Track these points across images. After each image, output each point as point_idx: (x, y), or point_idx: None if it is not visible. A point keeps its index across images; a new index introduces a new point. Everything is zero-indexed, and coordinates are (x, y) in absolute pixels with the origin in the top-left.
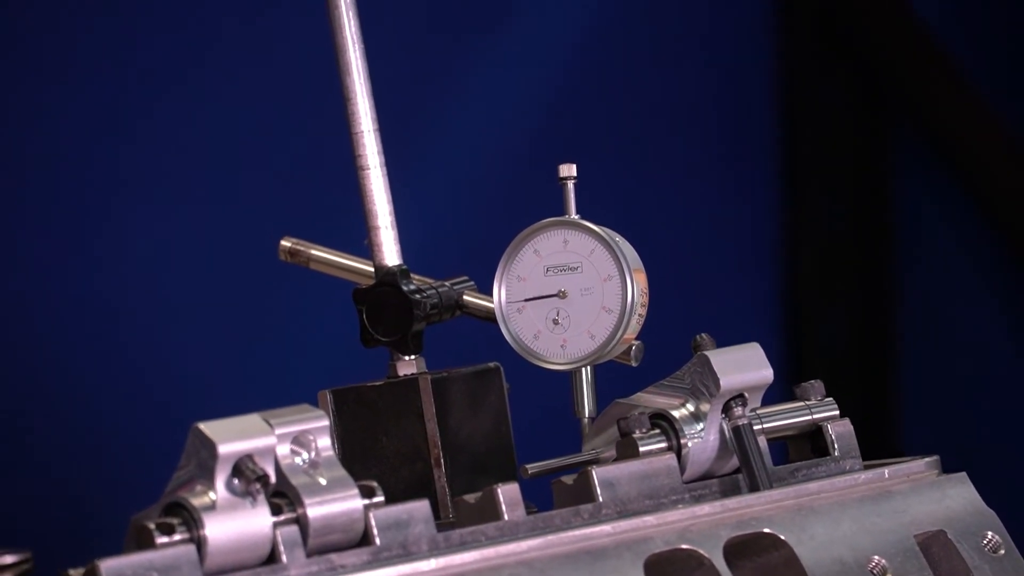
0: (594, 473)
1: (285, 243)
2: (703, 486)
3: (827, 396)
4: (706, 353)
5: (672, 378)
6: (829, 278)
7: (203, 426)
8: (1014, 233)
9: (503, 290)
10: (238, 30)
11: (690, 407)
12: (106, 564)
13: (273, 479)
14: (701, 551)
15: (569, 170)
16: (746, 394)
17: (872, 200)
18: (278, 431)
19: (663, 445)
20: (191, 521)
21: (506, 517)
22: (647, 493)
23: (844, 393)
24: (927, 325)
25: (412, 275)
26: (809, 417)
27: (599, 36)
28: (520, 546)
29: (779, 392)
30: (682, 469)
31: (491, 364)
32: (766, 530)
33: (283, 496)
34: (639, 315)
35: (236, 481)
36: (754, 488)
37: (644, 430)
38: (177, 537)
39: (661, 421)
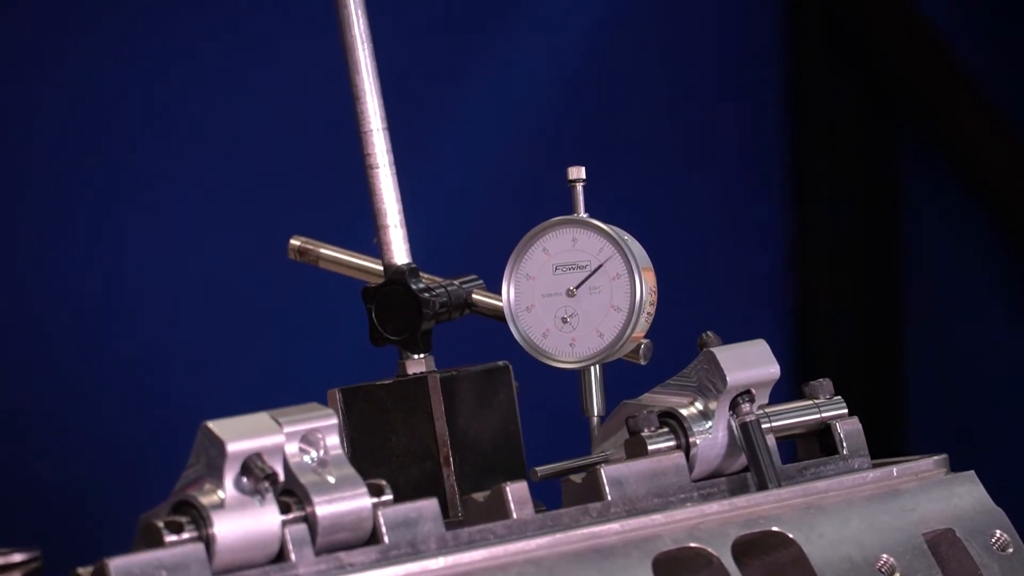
0: (603, 471)
1: (294, 242)
2: (711, 484)
3: (835, 395)
4: (712, 350)
5: (679, 376)
6: (837, 279)
7: (212, 424)
8: (1021, 235)
9: (512, 289)
10: (247, 28)
11: (699, 405)
12: (115, 562)
13: (282, 477)
14: (710, 549)
15: (578, 172)
16: (753, 390)
17: (880, 202)
18: (287, 429)
19: (672, 443)
20: (200, 519)
21: (515, 515)
22: (656, 491)
23: (852, 393)
24: (934, 326)
25: (421, 274)
26: (818, 415)
27: (608, 37)
28: (529, 544)
29: (788, 392)
30: (691, 467)
31: (500, 363)
32: (775, 528)
33: (292, 494)
34: (648, 314)
35: (245, 479)
36: (762, 485)
37: (653, 428)
38: (186, 535)
39: (670, 419)
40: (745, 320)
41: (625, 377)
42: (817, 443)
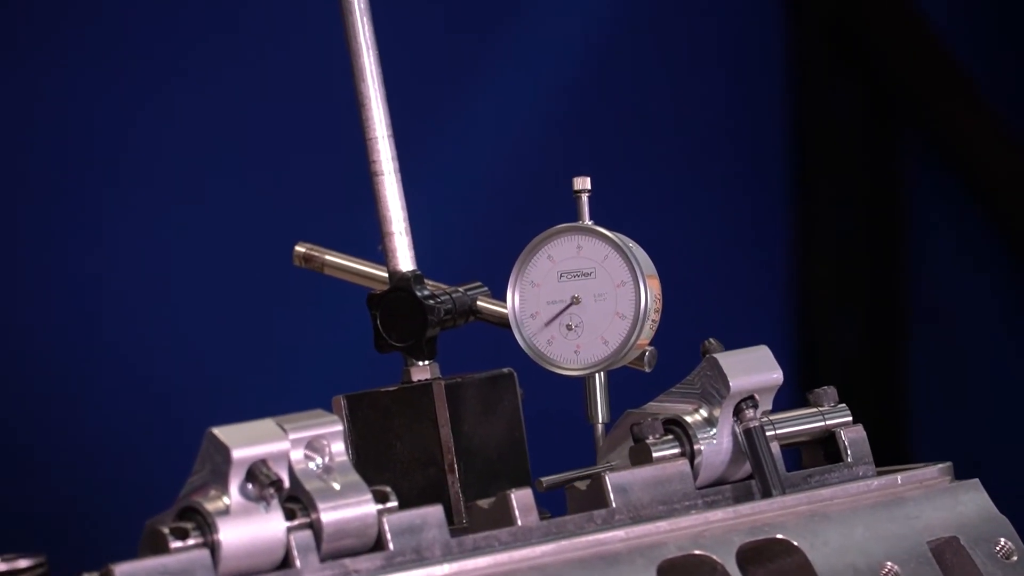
0: (607, 479)
1: (299, 248)
2: (716, 492)
3: (840, 402)
4: (715, 356)
5: (682, 384)
6: (840, 285)
7: (217, 431)
8: (1023, 238)
9: (517, 296)
10: (252, 34)
11: (703, 412)
12: (121, 568)
13: (287, 484)
14: (714, 557)
15: (583, 183)
16: (757, 396)
17: (882, 207)
18: (292, 436)
19: (676, 451)
20: (205, 526)
21: (519, 522)
22: (660, 499)
23: (855, 399)
24: (938, 331)
25: (426, 280)
26: (822, 423)
27: (612, 44)
28: (533, 551)
29: (791, 398)
30: (695, 475)
31: (505, 370)
32: (779, 536)
33: (297, 501)
34: (652, 321)
35: (250, 486)
36: (766, 490)
37: (657, 436)
38: (191, 542)
39: (674, 427)
40: (749, 326)
41: (630, 384)
42: (821, 451)
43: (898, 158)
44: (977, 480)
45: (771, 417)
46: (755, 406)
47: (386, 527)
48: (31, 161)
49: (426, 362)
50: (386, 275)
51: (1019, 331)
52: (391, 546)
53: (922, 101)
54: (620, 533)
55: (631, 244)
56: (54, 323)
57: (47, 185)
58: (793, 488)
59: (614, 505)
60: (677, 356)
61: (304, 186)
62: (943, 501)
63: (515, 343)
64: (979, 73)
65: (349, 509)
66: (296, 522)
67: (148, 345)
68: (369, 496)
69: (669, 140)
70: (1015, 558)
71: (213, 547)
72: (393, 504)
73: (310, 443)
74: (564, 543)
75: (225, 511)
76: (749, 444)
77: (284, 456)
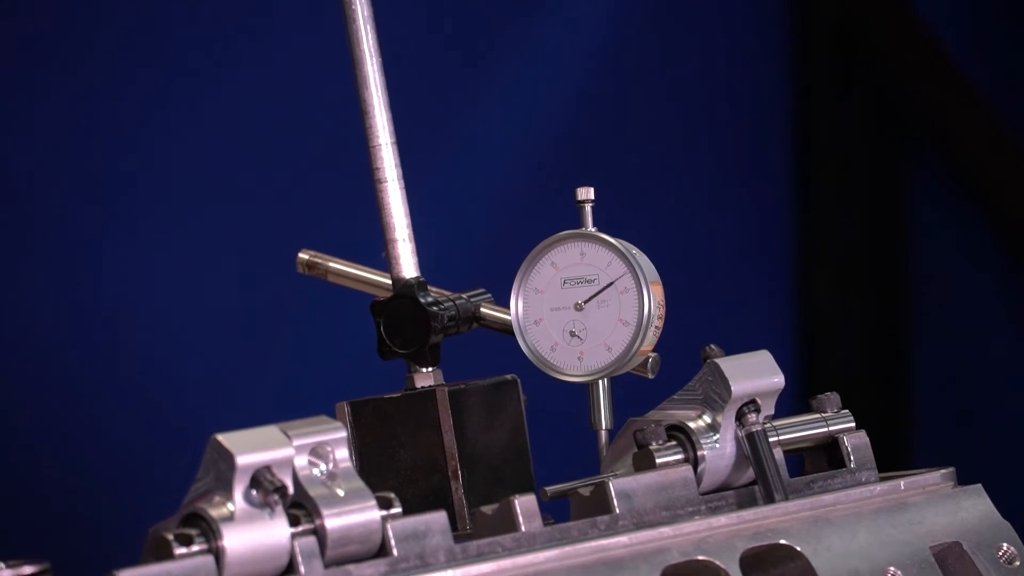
0: (611, 484)
1: (303, 256)
2: (719, 497)
3: (843, 408)
4: (716, 361)
5: (684, 390)
6: (844, 292)
7: (221, 437)
8: None
9: (520, 302)
10: (255, 42)
11: (706, 418)
12: (125, 575)
13: (291, 490)
14: (718, 562)
15: (587, 193)
16: (759, 400)
17: (887, 216)
18: (296, 442)
19: (679, 457)
20: (209, 532)
21: (523, 528)
22: (664, 504)
23: (858, 406)
24: (941, 339)
25: (429, 287)
26: (825, 429)
27: (615, 50)
28: (537, 557)
29: (794, 406)
30: (699, 480)
31: (508, 376)
32: (782, 541)
33: (301, 507)
34: (656, 327)
35: (254, 492)
36: (768, 494)
37: (661, 442)
38: (195, 548)
39: (677, 433)
40: (752, 333)
41: (633, 390)
42: (824, 456)
43: (902, 165)
44: (980, 485)
45: (774, 423)
46: (757, 410)
47: (390, 533)
48: (35, 165)
49: (430, 369)
50: (390, 282)
51: (1023, 338)
52: (395, 552)
53: (926, 108)
54: (623, 539)
55: (635, 251)
56: (60, 331)
57: (53, 190)
58: (796, 494)
59: (617, 511)
60: (680, 362)
61: (308, 193)
62: (946, 506)
63: (519, 350)
64: (984, 80)
65: (353, 515)
66: (300, 528)
67: (152, 352)
68: (373, 502)
69: (673, 147)
70: (1017, 563)
71: (217, 553)
72: (397, 510)
73: (314, 449)
74: (568, 549)
75: (229, 517)
76: (751, 448)
77: (288, 462)
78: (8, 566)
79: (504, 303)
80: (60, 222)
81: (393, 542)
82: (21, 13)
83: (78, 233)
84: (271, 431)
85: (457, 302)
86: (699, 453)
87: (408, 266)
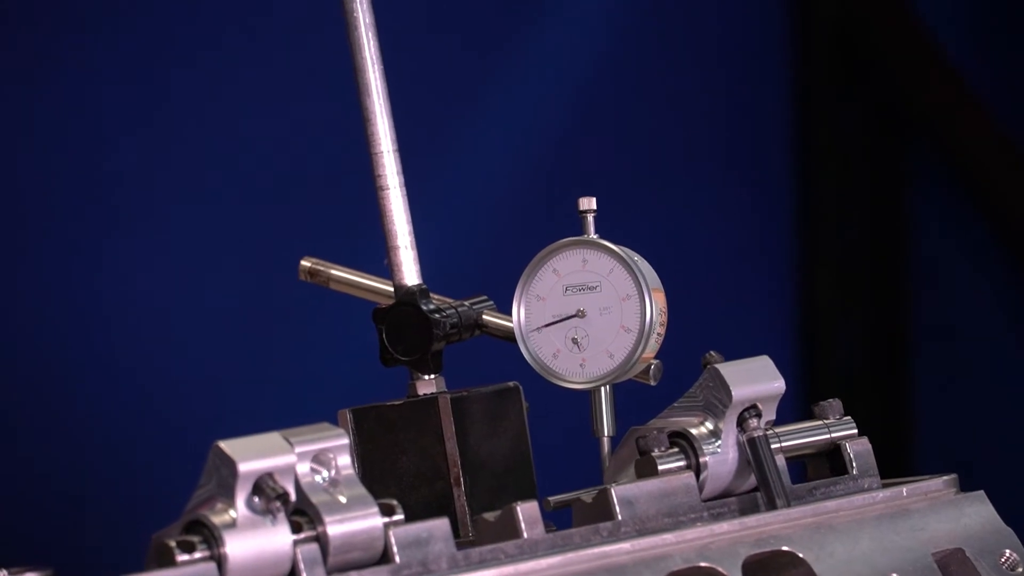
0: (613, 491)
1: (305, 263)
2: (721, 504)
3: (845, 415)
4: (717, 366)
5: (685, 397)
6: (845, 297)
7: (223, 444)
8: None
9: (522, 310)
10: (257, 48)
11: (708, 425)
12: None
13: (293, 497)
14: (720, 569)
15: (589, 203)
16: (759, 405)
17: (888, 219)
18: (298, 449)
19: (682, 463)
20: (212, 539)
21: (525, 535)
22: (666, 511)
23: (860, 413)
24: (942, 344)
25: (431, 295)
26: (827, 436)
27: (616, 57)
28: (539, 564)
29: (796, 412)
30: (701, 487)
31: (510, 383)
32: (785, 548)
33: (303, 514)
34: (658, 334)
35: (256, 499)
36: (770, 498)
37: (663, 448)
38: (198, 555)
39: (680, 439)
40: (753, 340)
41: (635, 397)
42: (827, 463)
43: (902, 166)
44: (982, 492)
45: (776, 430)
46: (758, 415)
47: (392, 540)
48: (37, 166)
49: (432, 376)
50: (391, 289)
51: None
52: (397, 559)
53: (927, 110)
54: (626, 545)
55: (636, 257)
56: (62, 337)
57: (54, 194)
58: (798, 500)
59: (620, 518)
60: (682, 369)
61: (309, 201)
62: (948, 513)
63: (521, 357)
64: (984, 81)
65: (355, 522)
66: (302, 535)
67: (155, 358)
68: (375, 509)
69: (673, 150)
70: (1020, 569)
71: (220, 560)
72: (399, 517)
73: (316, 456)
74: (570, 555)
75: (232, 524)
76: (753, 453)
77: (290, 469)
78: (11, 572)
79: (506, 310)
80: (63, 230)
81: (395, 549)
82: (23, 13)
83: (79, 240)
84: (273, 438)
85: (459, 309)
86: (701, 460)
87: (410, 273)
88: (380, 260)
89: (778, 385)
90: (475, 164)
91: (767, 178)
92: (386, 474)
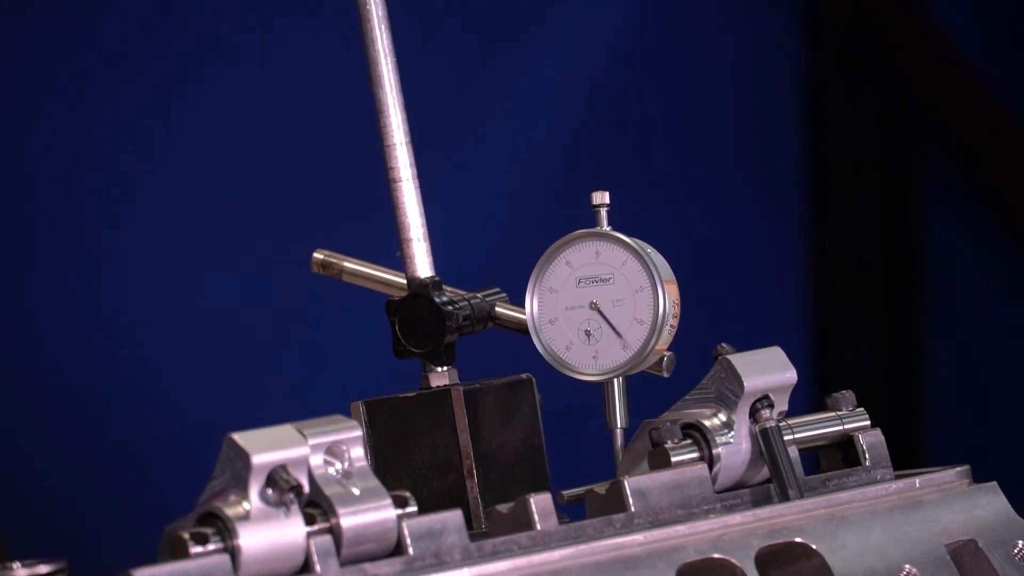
0: (626, 483)
1: (318, 255)
2: (734, 496)
3: (858, 407)
4: (728, 357)
5: (697, 389)
6: (857, 298)
7: (237, 436)
8: None
9: (535, 301)
10: (270, 43)
11: (721, 416)
12: (141, 574)
13: (307, 489)
14: (733, 560)
15: (602, 197)
16: (771, 396)
17: (900, 220)
18: (311, 441)
19: (695, 455)
20: (225, 531)
21: (538, 527)
22: (679, 503)
23: (873, 405)
24: (954, 340)
25: (444, 287)
26: (840, 427)
27: (630, 54)
28: (552, 555)
29: (808, 405)
30: (714, 478)
31: (523, 375)
32: (798, 539)
33: (316, 506)
34: (671, 326)
35: (270, 491)
36: (782, 489)
37: (676, 440)
38: (211, 547)
39: (693, 431)
40: (766, 334)
41: (648, 389)
42: (839, 455)
43: (915, 170)
44: (995, 483)
45: (789, 421)
46: (771, 406)
47: (406, 532)
48: (41, 166)
49: (445, 368)
50: (404, 281)
51: None
52: (411, 551)
53: (939, 114)
54: (639, 537)
55: (649, 249)
56: (76, 332)
57: (64, 192)
58: (811, 492)
59: (633, 509)
60: (695, 362)
61: (322, 193)
62: (961, 504)
63: (534, 349)
64: (997, 86)
65: (369, 514)
66: (316, 527)
67: (168, 352)
68: (389, 501)
69: (688, 150)
70: None
71: (233, 552)
72: (412, 509)
73: (330, 448)
74: (583, 547)
75: (245, 516)
76: (765, 444)
77: (304, 461)
78: (24, 565)
79: (519, 302)
80: (79, 226)
81: (409, 541)
82: (23, 13)
83: (97, 236)
84: (287, 430)
85: (472, 301)
86: (714, 451)
87: (423, 265)
88: (393, 252)
89: (790, 376)
90: (488, 156)
91: (779, 173)
92: (399, 466)
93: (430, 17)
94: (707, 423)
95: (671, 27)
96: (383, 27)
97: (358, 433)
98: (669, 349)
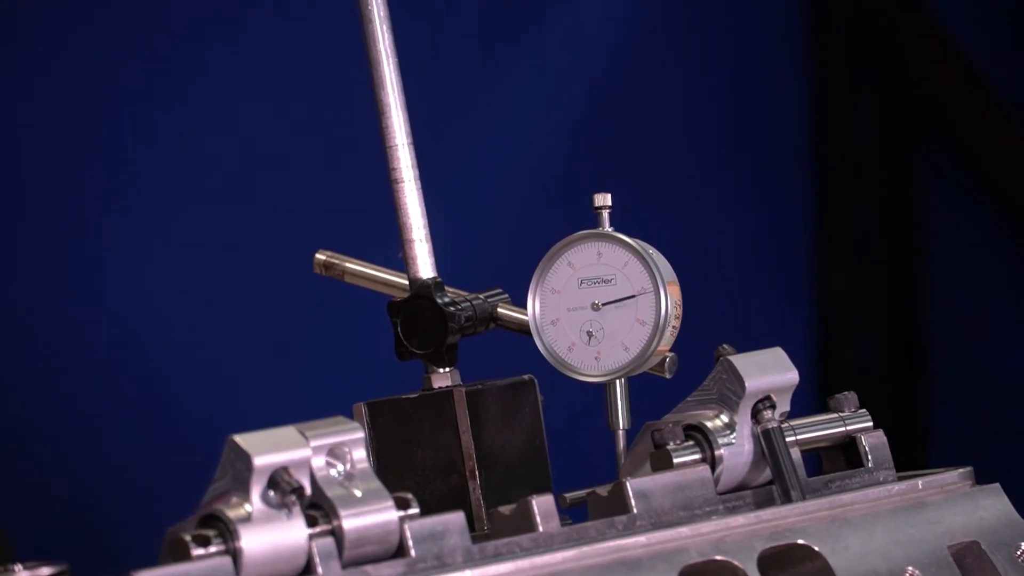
0: (628, 485)
1: (320, 256)
2: (737, 497)
3: (860, 408)
4: (730, 358)
5: (699, 391)
6: (860, 293)
7: (238, 438)
8: None
9: (537, 302)
10: (272, 42)
11: (723, 417)
12: None
13: (308, 491)
14: (735, 562)
15: (604, 199)
16: (773, 396)
17: (903, 215)
18: (313, 443)
19: (697, 456)
20: (227, 533)
21: (541, 528)
22: (681, 504)
23: (875, 409)
24: (958, 338)
25: (446, 288)
26: (843, 428)
27: (632, 52)
28: (555, 557)
29: (811, 409)
30: (717, 480)
31: (525, 376)
32: (800, 541)
33: (318, 508)
34: (673, 327)
35: (272, 493)
36: (785, 491)
37: (678, 442)
38: (213, 549)
39: (695, 432)
40: (768, 334)
41: (650, 390)
42: (842, 456)
43: (918, 165)
44: (998, 485)
45: (791, 423)
46: (772, 407)
47: (408, 534)
48: (41, 164)
49: (447, 369)
50: (406, 282)
51: None
52: (413, 553)
53: (943, 109)
54: (641, 539)
55: (651, 250)
56: (78, 334)
57: (66, 191)
58: (814, 493)
59: (635, 511)
60: (698, 363)
61: (324, 194)
62: (964, 506)
63: (536, 350)
64: (1000, 81)
65: (371, 516)
66: (318, 529)
67: (168, 354)
68: (391, 503)
69: (689, 148)
70: None
71: (235, 554)
72: (415, 511)
73: (331, 450)
74: (585, 549)
75: (247, 518)
76: (767, 445)
77: (306, 463)
78: (26, 567)
79: (521, 303)
80: (82, 225)
81: (411, 543)
82: (25, 13)
83: (99, 235)
84: (288, 432)
85: (474, 302)
86: (717, 453)
87: (425, 266)
88: (395, 253)
89: (791, 376)
90: (490, 157)
91: (782, 172)
92: (401, 467)
93: (432, 18)
94: (709, 424)
95: (672, 25)
96: (385, 28)
97: (360, 435)
98: (671, 350)
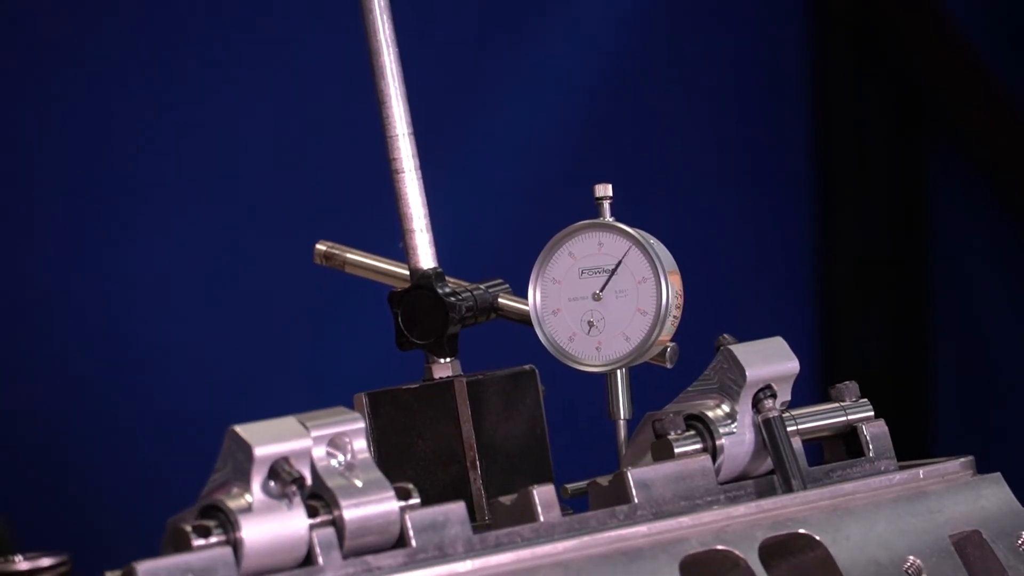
0: (629, 474)
1: (320, 247)
2: (738, 487)
3: (861, 397)
4: (730, 347)
5: (700, 380)
6: (864, 288)
7: (239, 429)
8: None
9: (538, 292)
10: (272, 33)
11: (724, 407)
12: (143, 566)
13: (309, 481)
14: (737, 552)
15: (605, 190)
16: (774, 385)
17: (907, 211)
18: (314, 433)
19: (698, 446)
20: (227, 523)
21: (542, 518)
22: (682, 494)
23: (878, 401)
24: (960, 332)
25: (447, 278)
26: (844, 418)
27: (635, 47)
28: (556, 547)
29: (813, 398)
30: (718, 469)
31: (526, 367)
32: (801, 531)
33: (319, 498)
34: (674, 317)
35: (272, 483)
36: (785, 479)
37: (679, 431)
38: (213, 539)
39: (696, 422)
40: (771, 327)
41: (651, 380)
42: (843, 445)
43: (923, 162)
44: (999, 474)
45: (792, 412)
46: (773, 396)
47: (408, 524)
48: (43, 160)
49: (448, 359)
50: (407, 273)
51: None
52: (414, 543)
53: (948, 105)
54: (642, 529)
55: (652, 240)
56: (78, 325)
57: (68, 185)
58: (815, 483)
59: (636, 501)
60: (699, 353)
61: (324, 184)
62: (965, 495)
63: (536, 340)
64: (1006, 77)
65: (371, 506)
66: (318, 519)
67: (170, 345)
68: (391, 493)
69: (693, 142)
70: None
71: (236, 545)
72: (415, 501)
73: (332, 440)
74: (586, 539)
75: (247, 509)
76: (768, 434)
77: (306, 453)
78: (26, 558)
79: (522, 293)
80: (85, 218)
81: (411, 533)
82: (25, 13)
83: (101, 229)
84: (289, 422)
85: (475, 292)
86: (718, 442)
87: (425, 256)
88: (395, 243)
89: (792, 365)
90: (490, 147)
91: (786, 164)
92: (402, 458)
93: (432, 7)
94: (710, 414)
95: (678, 18)
96: (385, 17)
97: (361, 425)
98: (672, 340)
